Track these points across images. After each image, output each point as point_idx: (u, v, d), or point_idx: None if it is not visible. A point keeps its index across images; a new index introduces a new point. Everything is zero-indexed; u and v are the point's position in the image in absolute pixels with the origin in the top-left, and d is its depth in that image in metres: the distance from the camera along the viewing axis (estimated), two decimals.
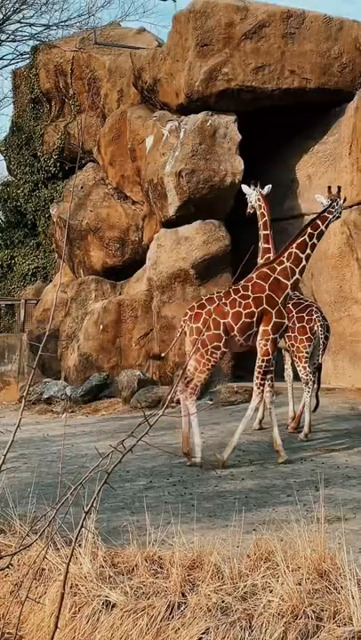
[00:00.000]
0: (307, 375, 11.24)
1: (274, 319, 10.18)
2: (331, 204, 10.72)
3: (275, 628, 4.98)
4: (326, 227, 10.67)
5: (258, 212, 11.83)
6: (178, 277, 15.55)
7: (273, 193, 12.18)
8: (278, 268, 10.32)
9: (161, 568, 5.88)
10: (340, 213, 10.97)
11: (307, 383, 11.21)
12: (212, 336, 10.14)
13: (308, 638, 4.92)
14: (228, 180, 15.37)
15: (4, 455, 4.31)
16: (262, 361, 10.20)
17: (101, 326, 16.58)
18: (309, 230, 10.48)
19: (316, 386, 11.55)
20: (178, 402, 14.66)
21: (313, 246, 10.49)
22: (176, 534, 6.07)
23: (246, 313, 10.14)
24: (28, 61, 22.34)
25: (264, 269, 10.42)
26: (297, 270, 10.34)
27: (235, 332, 10.16)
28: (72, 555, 4.78)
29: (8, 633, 5.44)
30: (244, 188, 12.13)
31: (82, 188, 18.19)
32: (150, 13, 51.16)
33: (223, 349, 10.23)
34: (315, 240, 10.49)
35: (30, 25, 23.56)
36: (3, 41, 23.80)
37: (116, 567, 6.01)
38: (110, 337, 16.50)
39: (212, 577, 5.53)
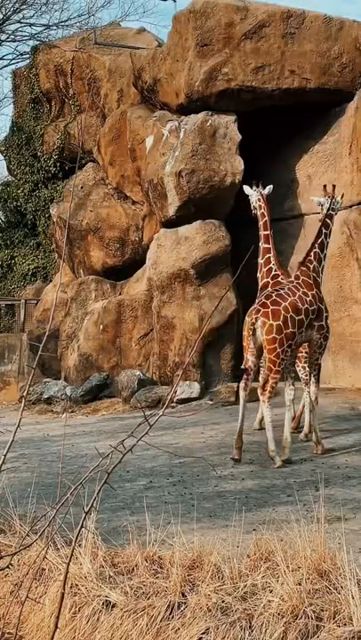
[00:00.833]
0: (307, 375, 11.24)
1: (325, 314, 10.69)
2: (332, 202, 11.10)
3: (275, 628, 4.98)
4: (333, 224, 11.26)
5: (258, 213, 11.85)
6: (178, 277, 15.54)
7: (273, 193, 12.19)
8: (312, 267, 10.76)
9: (161, 568, 5.88)
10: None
11: (307, 383, 11.21)
12: (290, 334, 10.15)
13: (308, 638, 4.92)
14: (228, 180, 15.37)
15: (4, 455, 4.32)
16: (320, 354, 10.65)
17: (101, 326, 16.59)
18: (324, 230, 10.97)
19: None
20: (178, 402, 14.73)
21: (327, 245, 11.05)
22: (176, 534, 6.07)
23: (312, 310, 10.43)
24: (28, 61, 22.34)
25: (303, 268, 10.75)
26: (319, 268, 10.90)
27: (303, 329, 10.33)
28: (72, 555, 4.78)
29: (8, 633, 5.44)
30: (246, 188, 12.12)
31: (82, 187, 18.19)
32: (150, 13, 51.26)
33: (293, 348, 10.37)
34: (328, 239, 11.05)
35: (30, 25, 23.60)
36: (3, 41, 23.82)
37: (116, 567, 6.01)
38: (110, 337, 16.50)
39: (212, 577, 5.53)
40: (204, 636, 5.12)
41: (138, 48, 18.85)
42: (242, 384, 10.36)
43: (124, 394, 15.50)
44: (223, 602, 5.30)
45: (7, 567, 5.82)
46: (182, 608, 5.38)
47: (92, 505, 4.06)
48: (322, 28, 15.38)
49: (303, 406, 11.52)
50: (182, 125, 15.70)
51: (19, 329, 19.83)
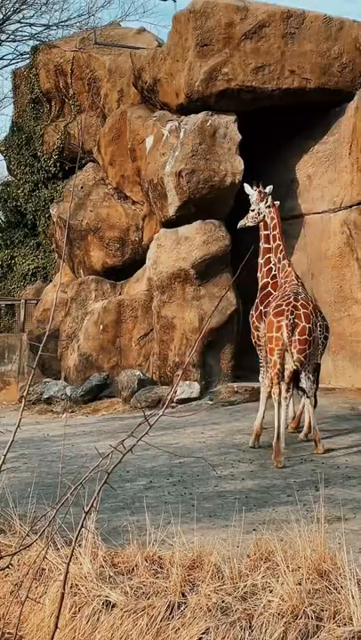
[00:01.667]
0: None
1: None
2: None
3: (275, 628, 4.98)
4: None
5: (267, 217, 11.75)
6: (178, 277, 15.54)
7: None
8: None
9: (161, 568, 5.88)
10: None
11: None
12: (315, 336, 10.69)
13: (308, 638, 4.92)
14: (228, 180, 15.37)
15: (4, 455, 4.32)
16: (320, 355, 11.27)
17: (101, 326, 16.59)
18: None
19: (315, 386, 11.54)
20: (178, 402, 14.73)
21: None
22: (176, 534, 6.07)
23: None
24: (28, 61, 22.34)
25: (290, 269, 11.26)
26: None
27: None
28: (72, 555, 4.78)
29: (8, 633, 5.44)
30: (247, 188, 12.10)
31: (82, 187, 18.18)
32: (150, 13, 51.22)
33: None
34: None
35: (30, 25, 23.59)
36: (3, 41, 23.82)
37: (116, 567, 6.01)
38: (110, 337, 16.50)
39: (212, 577, 5.53)
40: (204, 636, 5.12)
41: (138, 48, 18.85)
42: (283, 387, 10.21)
43: (124, 394, 15.50)
44: (223, 602, 5.30)
45: (7, 567, 5.82)
46: (182, 608, 5.38)
47: (92, 505, 4.06)
48: (322, 28, 15.38)
49: (303, 406, 11.52)
50: (182, 125, 15.70)
51: (19, 329, 19.83)
